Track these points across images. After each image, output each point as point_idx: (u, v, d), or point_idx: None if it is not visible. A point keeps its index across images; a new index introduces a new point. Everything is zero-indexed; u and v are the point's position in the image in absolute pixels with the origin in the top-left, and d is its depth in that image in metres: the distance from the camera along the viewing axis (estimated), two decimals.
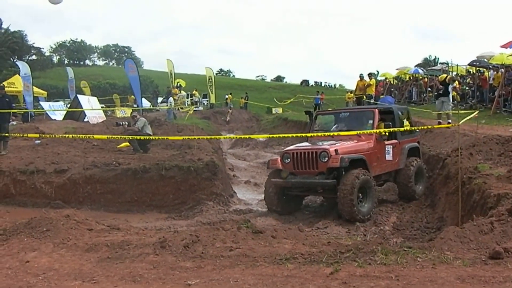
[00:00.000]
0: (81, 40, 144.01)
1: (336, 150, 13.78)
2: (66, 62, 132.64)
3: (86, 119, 31.47)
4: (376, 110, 15.64)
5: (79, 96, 35.41)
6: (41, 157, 17.97)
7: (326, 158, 13.67)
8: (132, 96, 54.66)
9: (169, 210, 15.90)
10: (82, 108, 31.34)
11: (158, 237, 8.12)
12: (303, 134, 16.16)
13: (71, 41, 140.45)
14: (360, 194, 13.43)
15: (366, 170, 13.93)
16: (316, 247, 7.84)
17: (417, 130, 17.02)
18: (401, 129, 15.61)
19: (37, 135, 18.44)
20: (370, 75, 29.93)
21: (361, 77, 29.26)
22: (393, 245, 8.28)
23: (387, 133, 15.28)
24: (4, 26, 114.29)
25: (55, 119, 33.89)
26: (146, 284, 6.26)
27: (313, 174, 14.00)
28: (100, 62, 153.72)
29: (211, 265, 6.89)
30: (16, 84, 42.78)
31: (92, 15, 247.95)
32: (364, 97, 28.54)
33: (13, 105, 20.85)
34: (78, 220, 8.81)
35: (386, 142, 15.31)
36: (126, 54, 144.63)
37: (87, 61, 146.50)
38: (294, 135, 19.92)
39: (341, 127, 15.82)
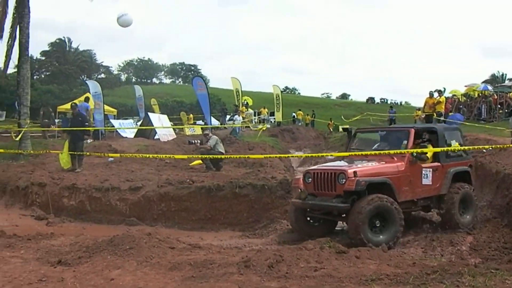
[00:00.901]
0: (148, 58, 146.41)
1: (355, 172, 12.78)
2: (133, 80, 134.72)
3: (156, 137, 31.72)
4: (412, 129, 14.39)
5: (150, 114, 35.79)
6: (115, 174, 18.13)
7: (344, 180, 12.74)
8: (191, 115, 55.15)
9: (243, 228, 15.77)
10: (153, 125, 31.66)
11: (241, 256, 8.03)
12: (343, 153, 15.41)
13: (138, 60, 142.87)
14: (377, 221, 12.43)
15: (390, 195, 12.77)
16: (401, 268, 7.66)
17: (469, 153, 15.74)
18: (436, 149, 14.18)
19: (118, 155, 18.57)
20: (439, 92, 29.41)
21: (431, 94, 28.69)
22: (479, 267, 7.98)
23: (428, 155, 14.20)
24: (74, 45, 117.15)
25: (126, 137, 34.32)
26: None
27: (332, 196, 13.10)
28: (167, 80, 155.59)
29: (296, 285, 6.77)
30: (88, 102, 43.43)
31: (159, 34, 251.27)
32: (434, 114, 27.97)
33: (86, 123, 21.13)
34: (160, 239, 8.79)
35: (424, 165, 14.00)
36: (192, 72, 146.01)
37: (154, 79, 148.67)
38: (335, 154, 18.56)
39: (383, 146, 14.86)
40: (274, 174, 17.41)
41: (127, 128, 38.09)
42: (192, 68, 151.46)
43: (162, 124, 32.92)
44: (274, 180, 16.69)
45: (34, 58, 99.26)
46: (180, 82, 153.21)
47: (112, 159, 20.99)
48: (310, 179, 13.63)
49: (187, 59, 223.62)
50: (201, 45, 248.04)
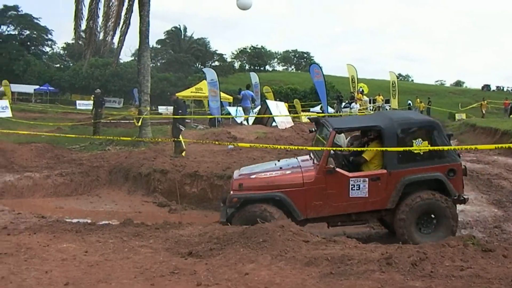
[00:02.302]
0: (262, 46, 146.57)
1: (240, 184, 11.58)
2: (246, 67, 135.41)
3: (274, 124, 31.53)
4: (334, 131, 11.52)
5: (267, 101, 35.63)
6: (237, 162, 17.96)
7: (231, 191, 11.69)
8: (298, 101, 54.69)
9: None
10: (271, 113, 31.48)
11: (380, 252, 7.56)
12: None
13: (252, 48, 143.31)
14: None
15: (287, 210, 11.17)
16: None
17: (450, 155, 11.43)
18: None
19: (234, 144, 18.64)
20: None
21: None
22: None
23: (367, 157, 11.70)
24: (188, 34, 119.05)
25: (243, 124, 34.28)
26: None
27: None
28: (280, 68, 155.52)
29: (443, 285, 6.28)
30: (203, 89, 43.94)
31: (272, 22, 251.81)
32: None
33: (179, 112, 21.20)
34: (294, 231, 8.42)
35: (352, 174, 11.33)
36: (305, 59, 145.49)
37: (267, 67, 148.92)
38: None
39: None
40: None
41: (242, 116, 38.06)
42: (305, 55, 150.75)
43: (279, 112, 32.68)
44: None
45: (151, 46, 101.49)
46: (292, 69, 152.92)
47: (231, 146, 20.95)
48: None
49: (299, 47, 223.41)
50: (314, 32, 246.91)
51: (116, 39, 27.31)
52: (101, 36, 27.43)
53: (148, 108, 25.31)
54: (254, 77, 49.92)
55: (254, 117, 33.67)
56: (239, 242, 8.12)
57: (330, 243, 8.34)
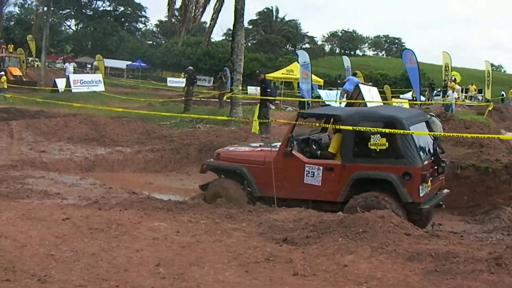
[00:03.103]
0: (353, 30, 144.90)
1: (218, 154, 12.40)
2: (337, 51, 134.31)
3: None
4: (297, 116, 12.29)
5: (360, 85, 34.91)
6: None
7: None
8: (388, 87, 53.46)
9: (462, 212, 14.50)
10: (363, 97, 30.79)
11: (487, 251, 7.03)
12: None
13: (343, 31, 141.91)
14: None
15: (242, 184, 11.60)
16: None
17: (410, 157, 10.43)
18: None
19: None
20: None
21: None
22: None
23: (331, 149, 11.42)
24: (280, 15, 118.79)
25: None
26: None
27: None
28: (370, 53, 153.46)
29: None
30: (294, 71, 43.64)
31: (364, 5, 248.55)
32: None
33: (268, 91, 21.01)
34: (395, 223, 7.94)
35: (308, 160, 11.21)
36: (396, 45, 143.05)
37: (357, 51, 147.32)
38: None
39: None
40: (498, 157, 16.03)
41: (332, 100, 37.57)
42: (396, 41, 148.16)
43: (372, 97, 31.92)
44: (499, 163, 15.33)
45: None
46: (383, 55, 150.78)
47: None
48: None
49: (391, 32, 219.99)
50: (407, 17, 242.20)
51: (208, 17, 27.31)
52: (193, 13, 27.44)
53: (240, 88, 25.16)
54: (346, 61, 49.28)
55: (345, 102, 33.07)
56: (337, 231, 7.72)
57: (433, 238, 7.84)
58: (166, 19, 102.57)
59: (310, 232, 7.94)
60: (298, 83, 42.66)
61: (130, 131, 20.48)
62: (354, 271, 6.49)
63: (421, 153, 10.63)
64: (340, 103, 32.66)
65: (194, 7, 26.52)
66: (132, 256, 6.95)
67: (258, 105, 21.99)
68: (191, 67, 32.24)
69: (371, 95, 31.77)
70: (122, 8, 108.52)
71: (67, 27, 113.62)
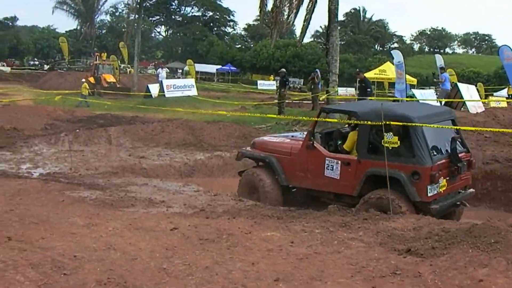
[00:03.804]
0: (442, 28, 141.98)
1: (253, 143, 13.26)
2: (426, 50, 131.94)
3: (463, 109, 29.85)
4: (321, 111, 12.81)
5: (459, 84, 33.90)
6: None
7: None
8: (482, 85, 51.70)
9: None
10: (461, 96, 29.78)
11: None
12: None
13: (431, 29, 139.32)
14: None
15: (274, 173, 12.22)
16: None
17: (422, 157, 10.27)
18: None
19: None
20: None
21: None
22: None
23: (347, 145, 11.64)
24: (368, 15, 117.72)
25: None
26: None
27: None
28: (459, 50, 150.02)
29: None
30: (387, 71, 43.00)
31: (453, 2, 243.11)
32: None
33: (368, 90, 20.51)
34: None
35: (328, 154, 11.57)
36: (486, 42, 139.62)
37: (447, 49, 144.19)
38: None
39: None
40: None
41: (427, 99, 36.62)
42: (486, 38, 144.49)
43: (470, 96, 30.86)
44: None
45: None
46: (473, 52, 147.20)
47: None
48: None
49: (481, 29, 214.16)
50: (497, 14, 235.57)
51: (300, 19, 27.02)
52: (285, 15, 27.25)
53: (337, 89, 24.72)
54: (439, 59, 47.97)
55: (443, 101, 32.11)
56: (465, 242, 7.08)
57: None
58: (254, 22, 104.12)
59: (436, 243, 7.34)
60: (390, 83, 41.91)
61: (227, 135, 20.32)
62: (492, 286, 5.90)
63: (434, 153, 10.62)
64: (440, 102, 31.83)
65: (287, 9, 26.25)
66: (248, 269, 6.60)
67: None
68: (284, 69, 31.89)
69: (469, 94, 30.78)
70: (210, 13, 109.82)
71: (157, 34, 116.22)
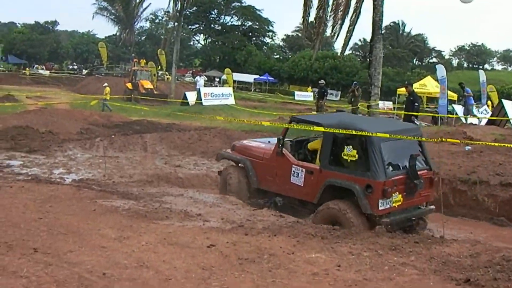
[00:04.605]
0: (482, 43, 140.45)
1: (233, 146, 13.88)
2: (464, 65, 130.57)
3: (506, 126, 28.99)
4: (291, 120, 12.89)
5: (504, 100, 33.10)
6: (481, 166, 16.13)
7: None
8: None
9: None
10: (506, 113, 28.96)
11: None
12: None
13: (471, 45, 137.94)
14: None
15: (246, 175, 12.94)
16: None
17: (376, 171, 10.40)
18: None
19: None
20: None
21: None
22: None
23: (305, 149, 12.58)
24: (407, 29, 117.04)
25: (475, 124, 32.02)
26: None
27: None
28: (499, 67, 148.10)
29: None
30: (427, 86, 42.37)
31: (493, 18, 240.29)
32: None
33: (415, 104, 19.93)
34: None
35: (294, 161, 12.04)
36: None
37: (486, 65, 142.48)
38: None
39: None
40: None
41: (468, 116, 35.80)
42: None
43: None
44: None
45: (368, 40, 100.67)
46: None
47: (469, 147, 19.08)
48: None
49: None
50: None
51: (343, 30, 26.62)
52: (329, 26, 26.92)
53: (378, 102, 24.11)
54: (482, 75, 47.21)
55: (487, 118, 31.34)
56: None
57: None
58: (293, 33, 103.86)
59: (497, 273, 6.67)
60: (429, 97, 41.21)
61: None
62: None
63: (391, 168, 10.79)
64: (478, 119, 31.14)
65: (332, 20, 25.87)
66: None
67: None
68: (323, 80, 31.54)
69: None
70: (250, 23, 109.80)
71: (196, 42, 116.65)
